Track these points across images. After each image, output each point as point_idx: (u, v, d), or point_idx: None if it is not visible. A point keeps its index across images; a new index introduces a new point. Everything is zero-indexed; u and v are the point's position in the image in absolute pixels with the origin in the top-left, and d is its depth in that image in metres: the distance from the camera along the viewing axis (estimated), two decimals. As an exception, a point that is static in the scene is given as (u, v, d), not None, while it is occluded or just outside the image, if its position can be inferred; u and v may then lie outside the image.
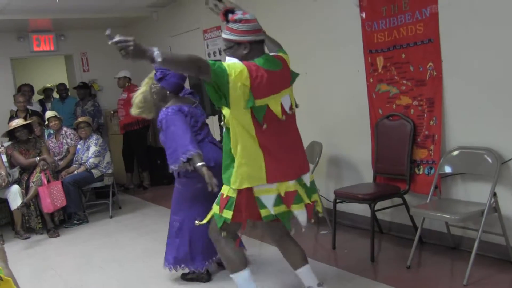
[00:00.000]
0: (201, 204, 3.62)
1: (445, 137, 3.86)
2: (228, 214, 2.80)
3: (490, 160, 3.46)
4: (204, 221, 3.04)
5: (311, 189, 2.94)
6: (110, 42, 2.37)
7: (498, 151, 3.45)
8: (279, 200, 2.79)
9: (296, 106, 2.96)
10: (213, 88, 2.61)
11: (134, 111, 3.93)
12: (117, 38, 2.38)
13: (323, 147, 4.63)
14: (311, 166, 4.60)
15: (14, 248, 5.31)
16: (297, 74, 3.00)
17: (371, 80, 4.41)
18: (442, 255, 3.85)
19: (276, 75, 2.77)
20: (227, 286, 3.59)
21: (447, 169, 3.73)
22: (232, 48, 2.78)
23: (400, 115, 4.13)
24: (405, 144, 4.06)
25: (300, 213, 2.84)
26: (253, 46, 2.77)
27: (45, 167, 5.77)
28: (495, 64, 3.47)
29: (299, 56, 5.24)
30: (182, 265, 3.75)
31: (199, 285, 3.77)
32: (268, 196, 2.77)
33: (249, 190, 2.75)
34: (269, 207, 2.77)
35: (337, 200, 4.18)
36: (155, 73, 3.74)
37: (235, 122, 2.71)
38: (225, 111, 2.78)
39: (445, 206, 3.65)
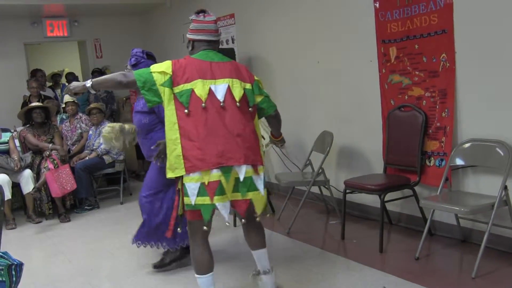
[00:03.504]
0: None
1: (457, 129, 3.83)
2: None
3: (501, 153, 3.43)
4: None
5: (245, 185, 2.82)
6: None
7: (510, 144, 3.42)
8: (203, 190, 2.75)
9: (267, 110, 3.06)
10: (147, 92, 2.82)
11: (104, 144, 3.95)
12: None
13: (334, 136, 4.62)
14: (321, 156, 4.62)
15: (26, 232, 5.39)
16: (265, 94, 3.06)
17: (384, 70, 4.37)
18: (451, 247, 3.84)
19: (210, 64, 2.88)
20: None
21: (458, 162, 3.71)
22: (188, 44, 3.06)
23: (412, 106, 4.10)
24: (416, 136, 4.04)
25: (222, 207, 2.77)
26: (196, 44, 3.00)
27: (47, 153, 5.87)
28: (509, 56, 3.42)
29: (311, 45, 5.23)
30: (157, 243, 3.76)
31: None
32: (191, 184, 2.75)
33: (181, 179, 2.82)
34: (191, 196, 2.76)
35: (347, 191, 4.17)
36: (129, 59, 3.77)
37: (166, 114, 2.84)
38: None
39: (456, 198, 3.63)
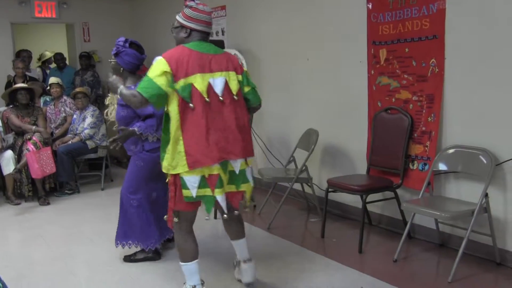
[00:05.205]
0: (158, 181, 3.71)
1: (442, 134, 3.86)
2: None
3: (484, 161, 3.47)
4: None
5: (240, 178, 2.93)
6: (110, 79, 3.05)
7: (494, 152, 3.47)
8: (204, 182, 2.80)
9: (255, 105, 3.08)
10: (157, 101, 2.78)
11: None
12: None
13: (319, 134, 4.63)
14: (305, 153, 4.63)
15: (5, 214, 5.32)
16: (253, 86, 3.07)
17: (373, 72, 4.39)
18: (429, 251, 3.89)
19: (207, 56, 2.86)
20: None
21: (442, 167, 3.75)
22: (177, 29, 2.97)
23: (399, 109, 4.13)
24: (401, 139, 4.07)
25: (221, 199, 2.85)
26: (193, 33, 2.92)
27: (28, 136, 5.79)
28: (498, 65, 3.46)
29: (301, 42, 5.23)
30: (135, 242, 3.77)
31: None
32: (191, 178, 2.78)
33: (177, 174, 2.82)
34: (192, 189, 2.79)
35: (330, 189, 4.19)
36: (113, 48, 3.76)
37: (170, 112, 2.82)
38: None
39: (437, 203, 3.67)
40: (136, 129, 3.58)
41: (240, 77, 2.96)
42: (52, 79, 6.63)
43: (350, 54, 4.62)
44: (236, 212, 3.08)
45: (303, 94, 5.29)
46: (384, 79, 4.29)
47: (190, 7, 2.92)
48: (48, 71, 8.51)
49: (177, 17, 2.97)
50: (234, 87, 2.90)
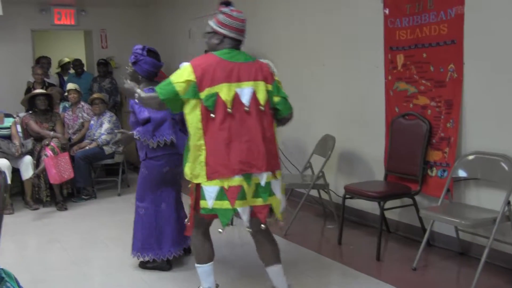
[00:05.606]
0: (165, 189, 3.70)
1: (461, 140, 3.80)
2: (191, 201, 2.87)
3: (506, 168, 3.39)
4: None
5: (266, 190, 2.77)
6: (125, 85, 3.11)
7: (515, 159, 3.39)
8: (222, 194, 2.71)
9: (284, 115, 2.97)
10: (172, 104, 2.79)
11: None
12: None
13: (336, 141, 4.59)
14: (321, 159, 4.59)
15: (23, 218, 5.37)
16: (284, 95, 2.98)
17: (390, 77, 4.35)
18: (449, 259, 3.82)
19: (236, 65, 2.78)
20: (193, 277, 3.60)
21: (461, 173, 3.68)
22: (210, 34, 2.89)
23: (417, 115, 4.08)
24: (419, 145, 4.01)
25: (243, 211, 2.74)
26: (225, 40, 2.85)
27: (46, 142, 5.85)
28: (519, 70, 3.40)
29: (317, 47, 5.20)
30: (149, 254, 3.70)
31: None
32: (210, 188, 2.71)
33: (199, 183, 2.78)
34: (209, 199, 2.72)
35: (347, 196, 4.15)
36: (130, 56, 3.74)
37: (188, 120, 2.79)
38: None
39: (457, 210, 3.60)
40: (134, 133, 3.58)
41: (270, 86, 2.85)
42: (70, 85, 6.70)
43: (367, 59, 4.58)
44: (262, 226, 2.83)
45: (319, 99, 5.26)
46: (402, 85, 4.24)
47: (224, 13, 2.83)
48: (65, 77, 8.62)
49: (210, 23, 2.88)
50: (262, 97, 2.79)
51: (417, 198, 4.01)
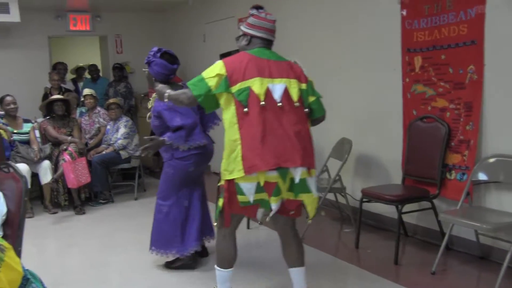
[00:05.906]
0: (190, 187, 3.75)
1: (482, 143, 3.75)
2: (220, 202, 2.85)
3: (527, 170, 3.35)
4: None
5: (299, 187, 2.76)
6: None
7: (536, 161, 3.35)
8: (260, 188, 2.71)
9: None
10: (205, 101, 2.80)
11: None
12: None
13: (353, 144, 4.57)
14: (338, 163, 4.57)
15: (42, 222, 5.43)
16: (318, 94, 3.00)
17: (407, 79, 4.31)
18: (469, 264, 3.77)
19: (268, 62, 2.81)
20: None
21: (481, 176, 3.63)
22: (240, 37, 2.96)
23: (435, 118, 4.04)
24: (437, 148, 3.97)
25: (275, 207, 2.74)
26: (253, 40, 2.90)
27: (64, 147, 5.92)
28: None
29: (334, 50, 5.18)
30: (173, 250, 3.75)
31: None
32: (247, 184, 2.70)
33: (232, 179, 2.75)
34: (248, 194, 2.71)
35: (364, 199, 4.12)
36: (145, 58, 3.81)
37: (224, 116, 2.81)
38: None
39: (477, 214, 3.55)
40: (166, 139, 3.61)
41: (304, 85, 2.87)
42: (86, 91, 6.76)
43: (384, 61, 4.55)
44: (291, 213, 2.86)
45: (335, 102, 5.22)
46: (420, 87, 4.21)
47: (252, 15, 2.90)
48: (81, 83, 8.69)
49: (241, 27, 2.96)
50: (295, 94, 2.80)
51: (435, 201, 3.97)
